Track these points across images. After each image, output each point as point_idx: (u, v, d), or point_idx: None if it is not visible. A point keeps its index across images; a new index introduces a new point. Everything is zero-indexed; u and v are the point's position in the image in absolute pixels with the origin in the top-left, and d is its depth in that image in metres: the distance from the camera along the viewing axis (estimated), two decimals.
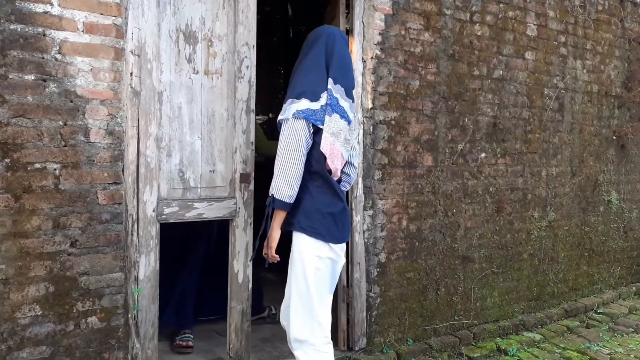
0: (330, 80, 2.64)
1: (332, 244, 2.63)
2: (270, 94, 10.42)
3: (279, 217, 2.62)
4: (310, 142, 2.61)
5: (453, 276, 4.12)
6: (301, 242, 2.61)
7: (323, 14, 3.94)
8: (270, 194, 2.59)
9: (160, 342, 3.05)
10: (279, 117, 2.67)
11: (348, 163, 2.74)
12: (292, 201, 2.58)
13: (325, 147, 2.57)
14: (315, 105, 2.59)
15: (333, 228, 2.63)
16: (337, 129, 2.59)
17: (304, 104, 2.58)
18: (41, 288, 2.56)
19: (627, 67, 5.45)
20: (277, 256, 2.67)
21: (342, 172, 2.72)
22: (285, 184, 2.54)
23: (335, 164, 2.62)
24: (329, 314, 2.70)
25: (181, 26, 2.96)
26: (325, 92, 2.63)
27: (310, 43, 2.78)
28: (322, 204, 2.62)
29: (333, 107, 2.60)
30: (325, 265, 2.63)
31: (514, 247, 4.51)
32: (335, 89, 2.64)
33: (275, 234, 2.64)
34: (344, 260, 2.79)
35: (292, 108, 2.59)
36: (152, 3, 2.82)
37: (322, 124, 2.58)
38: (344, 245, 2.77)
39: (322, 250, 2.61)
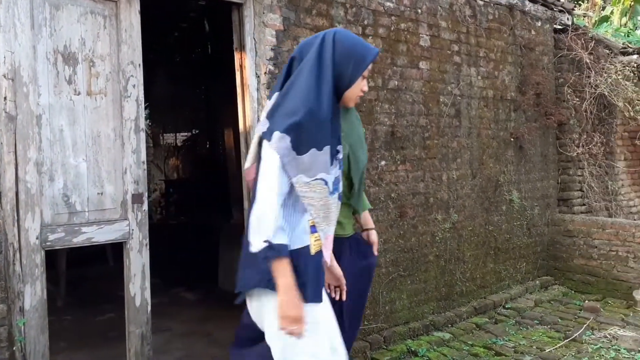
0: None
1: None
2: (193, 110, 10.34)
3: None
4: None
5: None
6: None
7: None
8: (265, 242, 1.94)
9: None
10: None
11: None
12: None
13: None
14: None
15: None
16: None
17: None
18: None
19: (520, 72, 5.74)
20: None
21: None
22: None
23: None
24: None
25: (59, 48, 2.90)
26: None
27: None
28: None
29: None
30: None
31: (419, 250, 4.64)
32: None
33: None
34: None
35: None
36: (25, 26, 2.76)
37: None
38: None
39: None
